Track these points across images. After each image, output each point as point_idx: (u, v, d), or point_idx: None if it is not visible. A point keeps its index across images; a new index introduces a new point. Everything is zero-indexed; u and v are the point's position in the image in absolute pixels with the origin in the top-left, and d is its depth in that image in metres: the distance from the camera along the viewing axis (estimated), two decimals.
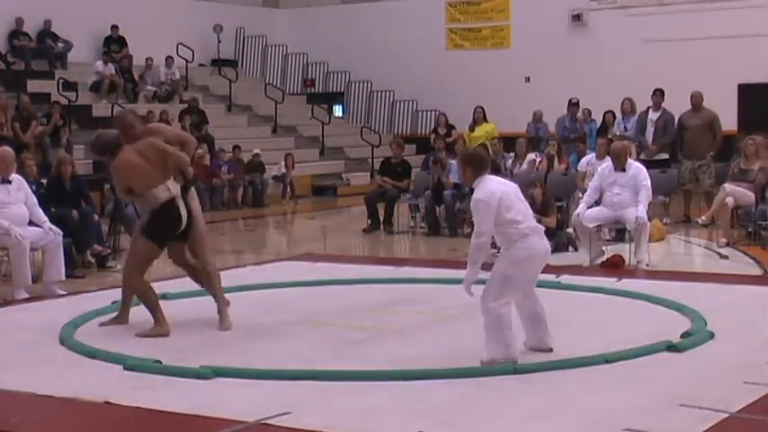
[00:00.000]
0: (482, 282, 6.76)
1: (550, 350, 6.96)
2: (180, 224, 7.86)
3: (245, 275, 10.61)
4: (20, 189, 9.89)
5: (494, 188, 6.67)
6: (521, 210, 6.73)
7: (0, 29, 21.85)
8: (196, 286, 8.51)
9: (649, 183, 11.28)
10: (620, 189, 11.20)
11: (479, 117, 18.45)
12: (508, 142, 18.27)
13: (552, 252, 11.93)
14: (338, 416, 5.62)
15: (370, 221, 15.41)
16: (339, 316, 8.47)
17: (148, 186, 7.77)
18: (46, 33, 22.36)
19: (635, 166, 11.33)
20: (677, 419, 5.47)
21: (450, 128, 20.20)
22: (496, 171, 14.82)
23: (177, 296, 8.97)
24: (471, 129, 18.53)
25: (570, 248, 12.39)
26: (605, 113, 17.23)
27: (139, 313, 8.10)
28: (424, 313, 8.46)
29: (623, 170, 11.23)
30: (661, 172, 14.11)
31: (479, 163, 6.83)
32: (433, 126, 21.37)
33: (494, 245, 7.17)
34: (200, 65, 25.47)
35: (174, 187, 7.84)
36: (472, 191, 6.80)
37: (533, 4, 24.03)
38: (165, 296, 8.67)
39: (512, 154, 16.49)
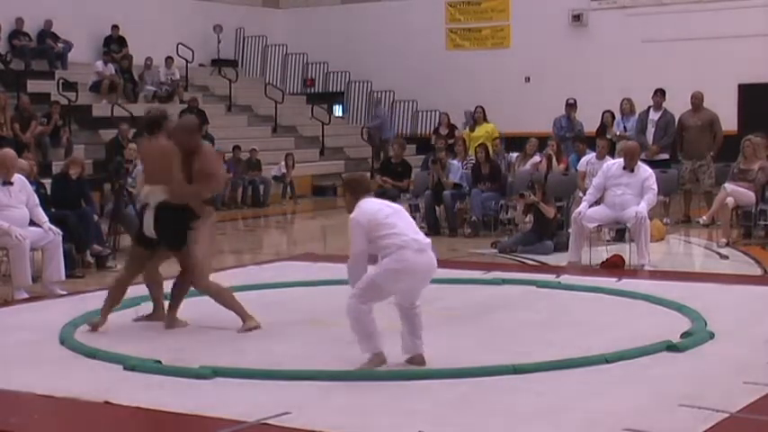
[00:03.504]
0: None
1: (422, 359, 6.70)
2: (141, 229, 8.07)
3: (246, 275, 10.61)
4: (21, 190, 9.87)
5: (366, 207, 6.60)
6: (398, 224, 6.58)
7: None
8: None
9: (656, 188, 11.26)
10: (624, 189, 11.16)
11: (479, 117, 18.44)
12: (510, 142, 18.34)
13: (552, 252, 12.17)
14: (338, 416, 5.62)
15: None
16: (339, 316, 8.45)
17: (147, 180, 8.11)
18: (46, 33, 22.35)
19: (644, 169, 11.30)
20: (677, 419, 5.47)
21: (453, 128, 20.20)
22: (497, 172, 14.91)
23: None
24: (471, 129, 18.53)
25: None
26: (604, 113, 17.23)
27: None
28: (425, 313, 8.43)
29: (632, 170, 11.21)
30: (661, 172, 14.10)
31: (355, 188, 6.78)
32: (434, 126, 21.38)
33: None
34: (201, 65, 25.46)
35: (150, 196, 7.95)
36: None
37: (533, 4, 24.03)
38: (164, 297, 8.65)
39: (513, 154, 16.52)
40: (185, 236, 7.93)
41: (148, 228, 7.99)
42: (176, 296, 8.20)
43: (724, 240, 12.74)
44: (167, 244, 8.05)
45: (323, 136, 23.90)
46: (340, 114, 27.08)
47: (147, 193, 8.04)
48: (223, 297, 8.11)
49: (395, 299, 6.69)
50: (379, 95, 25.42)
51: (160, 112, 8.34)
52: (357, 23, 26.14)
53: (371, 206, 6.64)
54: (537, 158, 15.53)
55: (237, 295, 9.29)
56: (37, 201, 10.02)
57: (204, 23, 25.13)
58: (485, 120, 18.41)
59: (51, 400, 6.09)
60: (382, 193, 15.57)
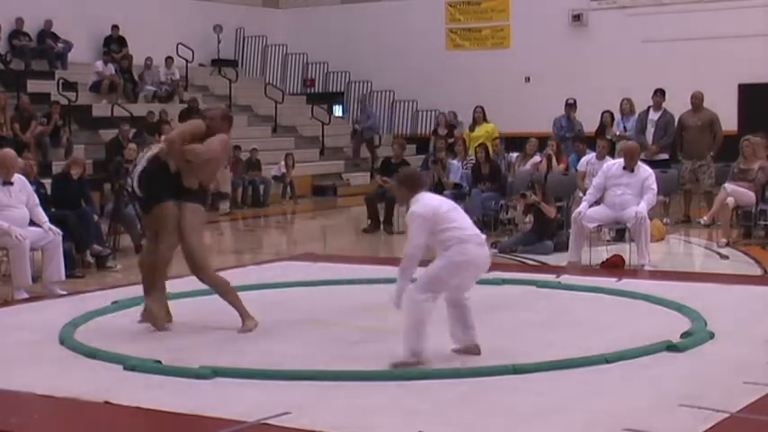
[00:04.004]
0: None
1: (477, 350, 6.91)
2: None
3: (246, 275, 10.61)
4: (21, 190, 9.87)
5: (428, 202, 6.76)
6: (457, 219, 6.77)
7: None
8: (197, 286, 8.49)
9: (656, 188, 11.27)
10: (624, 189, 11.18)
11: (479, 117, 18.45)
12: (510, 142, 18.34)
13: (552, 252, 12.17)
14: (338, 416, 5.63)
15: (370, 221, 15.41)
16: (339, 316, 8.47)
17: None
18: (46, 33, 22.35)
19: (644, 169, 11.31)
20: (677, 419, 5.47)
21: (452, 127, 20.19)
22: (497, 172, 14.91)
23: (177, 296, 8.94)
24: (471, 129, 18.54)
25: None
26: (603, 113, 17.23)
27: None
28: None
29: (632, 171, 11.22)
30: (662, 172, 14.12)
31: (412, 182, 6.90)
32: (433, 127, 21.39)
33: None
34: (201, 65, 25.46)
35: (147, 151, 8.00)
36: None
37: (533, 4, 24.04)
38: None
39: (513, 154, 16.53)
40: (160, 195, 7.86)
41: (134, 180, 7.95)
42: (157, 289, 8.13)
43: (724, 240, 12.75)
44: (142, 198, 7.96)
45: (323, 136, 23.90)
46: (340, 114, 27.07)
47: (146, 149, 8.11)
48: (225, 290, 8.08)
49: (446, 292, 6.85)
50: (366, 93, 25.47)
51: (192, 106, 8.72)
52: (357, 23, 26.14)
53: (432, 201, 6.80)
54: (537, 158, 15.54)
55: (239, 295, 9.29)
56: (37, 201, 10.02)
57: (204, 23, 25.13)
58: (484, 119, 18.42)
59: (51, 400, 6.09)
60: (382, 193, 15.63)
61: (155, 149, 7.98)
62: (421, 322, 6.58)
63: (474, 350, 6.91)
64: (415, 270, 6.73)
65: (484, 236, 6.95)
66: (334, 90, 26.87)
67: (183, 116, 8.42)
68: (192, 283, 8.47)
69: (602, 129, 16.87)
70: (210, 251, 13.75)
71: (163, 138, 8.03)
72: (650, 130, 15.83)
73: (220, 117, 8.19)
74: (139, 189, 7.98)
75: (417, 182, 6.93)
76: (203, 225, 8.32)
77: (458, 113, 21.60)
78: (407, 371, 6.47)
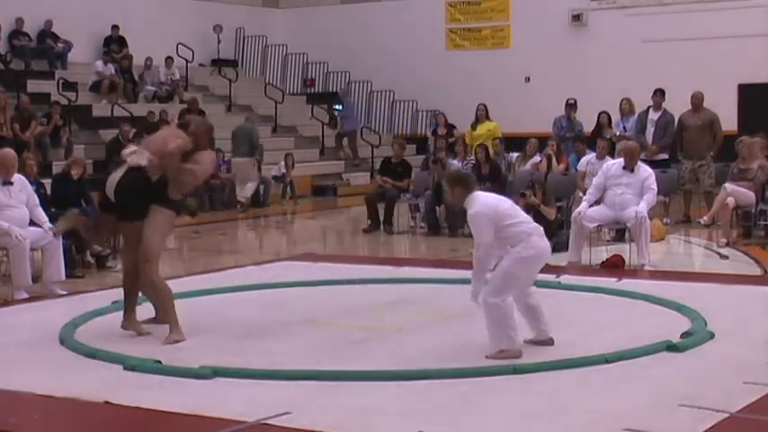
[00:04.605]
0: None
1: (551, 341, 7.10)
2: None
3: (246, 275, 10.61)
4: (22, 190, 9.87)
5: (485, 200, 6.88)
6: (518, 214, 6.96)
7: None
8: (196, 287, 8.49)
9: (656, 188, 11.27)
10: (624, 189, 11.18)
11: (482, 115, 18.40)
12: (510, 142, 18.32)
13: (552, 252, 12.13)
14: (338, 416, 5.63)
15: (370, 221, 15.41)
16: (339, 316, 8.47)
17: (144, 146, 7.97)
18: (46, 33, 22.34)
19: (644, 169, 11.31)
20: (677, 419, 5.47)
21: (451, 127, 20.17)
22: (497, 172, 14.92)
23: (177, 296, 8.92)
24: (473, 127, 18.51)
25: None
26: (600, 114, 17.22)
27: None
28: (424, 313, 8.46)
29: (632, 170, 11.22)
30: (661, 172, 14.11)
31: (467, 182, 7.02)
32: (432, 127, 21.35)
33: None
34: (201, 65, 25.46)
35: (131, 157, 7.71)
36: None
37: (533, 4, 24.03)
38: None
39: (513, 154, 16.51)
40: (139, 208, 7.68)
41: (111, 186, 7.72)
42: (130, 295, 7.94)
43: (724, 240, 12.75)
44: (120, 208, 7.75)
45: (323, 136, 23.90)
46: None
47: (129, 152, 7.78)
48: (161, 296, 7.80)
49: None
50: (348, 87, 25.52)
51: (192, 106, 8.58)
52: (357, 23, 26.13)
53: (488, 199, 6.94)
54: (537, 158, 15.54)
55: (238, 295, 9.31)
56: (37, 201, 10.02)
57: (204, 23, 25.12)
58: (487, 117, 18.38)
59: (51, 400, 6.09)
60: (382, 193, 15.63)
61: (142, 160, 7.68)
62: (504, 317, 6.74)
63: (548, 342, 7.08)
64: (488, 271, 6.86)
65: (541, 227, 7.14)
66: (335, 90, 26.85)
67: (183, 116, 8.31)
68: (192, 283, 8.47)
69: (599, 129, 16.85)
70: (211, 251, 13.79)
71: (148, 159, 7.80)
72: (650, 130, 15.84)
73: (205, 133, 8.09)
74: (116, 196, 7.70)
75: (470, 180, 7.08)
76: (169, 231, 8.13)
77: (449, 114, 21.26)
78: (408, 371, 6.47)
